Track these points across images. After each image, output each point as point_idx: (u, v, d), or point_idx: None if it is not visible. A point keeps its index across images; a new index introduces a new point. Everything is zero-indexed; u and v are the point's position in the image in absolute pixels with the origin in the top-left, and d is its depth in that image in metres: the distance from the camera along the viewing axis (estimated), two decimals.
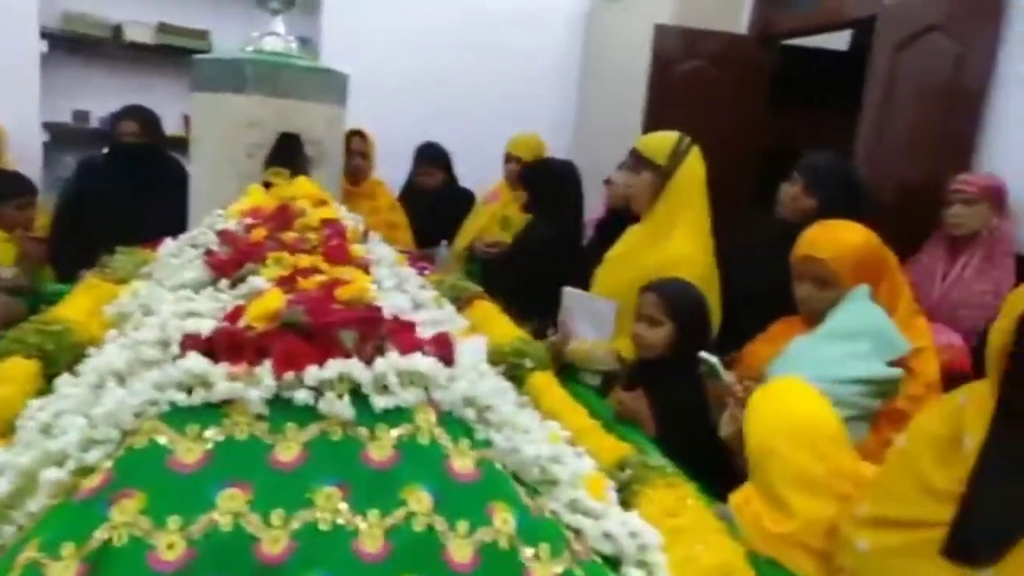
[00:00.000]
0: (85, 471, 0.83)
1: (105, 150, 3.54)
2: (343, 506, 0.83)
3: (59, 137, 3.67)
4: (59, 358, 1.54)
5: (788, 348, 1.78)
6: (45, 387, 1.48)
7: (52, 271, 3.13)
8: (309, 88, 2.61)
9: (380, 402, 0.90)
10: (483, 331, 1.66)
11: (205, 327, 1.01)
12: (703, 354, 1.66)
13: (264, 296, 1.04)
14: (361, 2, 4.13)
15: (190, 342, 0.93)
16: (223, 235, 1.59)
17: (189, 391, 0.87)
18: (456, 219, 3.58)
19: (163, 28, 3.85)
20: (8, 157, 3.31)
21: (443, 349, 1.01)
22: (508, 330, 2.01)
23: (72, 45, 3.65)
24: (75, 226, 3.06)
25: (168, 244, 2.00)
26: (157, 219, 2.84)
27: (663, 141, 2.28)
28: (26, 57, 3.49)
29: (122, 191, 2.99)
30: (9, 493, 0.81)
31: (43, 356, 1.51)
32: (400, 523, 0.83)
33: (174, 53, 3.85)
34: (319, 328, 0.93)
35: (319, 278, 1.18)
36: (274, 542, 0.79)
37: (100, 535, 0.76)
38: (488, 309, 2.15)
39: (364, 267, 1.44)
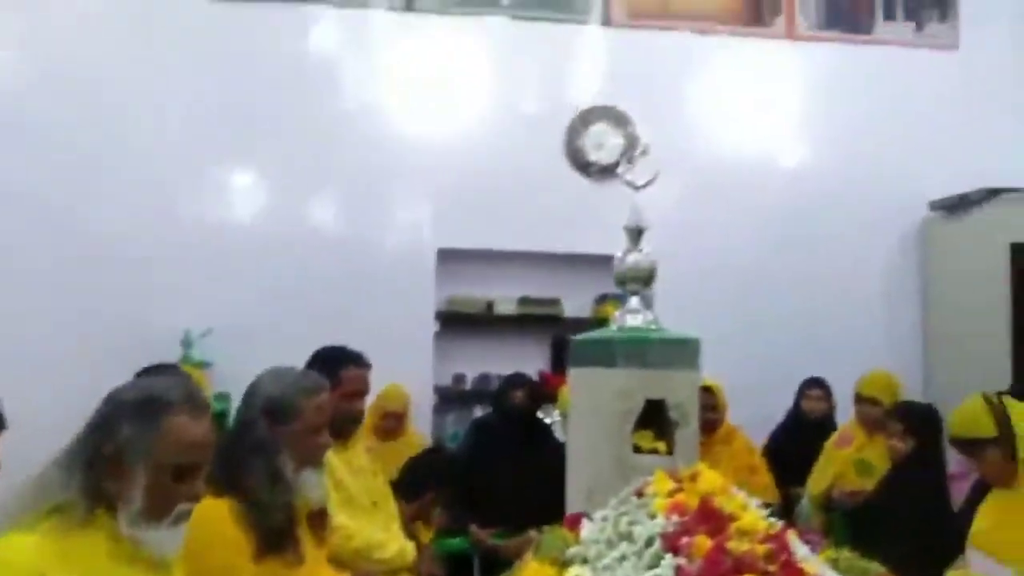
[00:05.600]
0: None
1: (483, 411, 4.12)
2: None
3: (443, 398, 4.37)
4: None
5: None
6: None
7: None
8: (669, 358, 2.89)
9: None
10: None
11: None
12: None
13: None
14: None
15: None
16: (668, 540, 1.47)
17: None
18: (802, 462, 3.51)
19: (524, 300, 4.54)
20: (408, 416, 3.99)
21: None
22: None
23: (455, 321, 4.44)
24: (467, 481, 3.51)
25: (588, 526, 2.17)
26: (537, 481, 3.18)
27: (975, 418, 2.14)
28: (424, 335, 4.32)
29: (511, 452, 3.40)
30: None
31: None
32: None
33: (531, 321, 4.49)
34: None
35: None
36: None
37: None
38: None
39: None
